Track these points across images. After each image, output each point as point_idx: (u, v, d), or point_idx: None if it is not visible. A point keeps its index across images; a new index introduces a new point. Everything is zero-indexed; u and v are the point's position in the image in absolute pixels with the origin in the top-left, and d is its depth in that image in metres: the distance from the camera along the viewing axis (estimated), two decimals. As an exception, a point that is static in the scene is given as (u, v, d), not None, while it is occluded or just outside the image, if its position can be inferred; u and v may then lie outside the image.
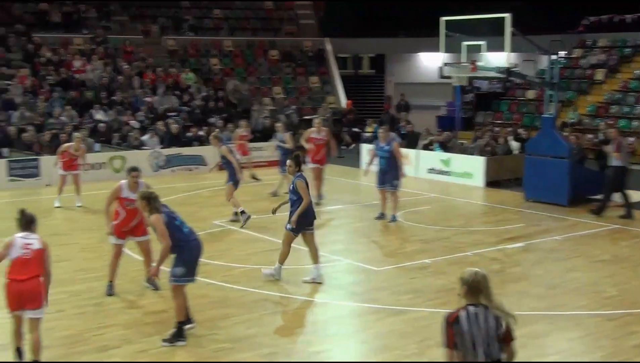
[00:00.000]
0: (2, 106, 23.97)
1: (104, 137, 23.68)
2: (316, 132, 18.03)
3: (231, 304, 10.29)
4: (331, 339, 9.13)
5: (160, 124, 24.46)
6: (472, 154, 21.47)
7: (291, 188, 11.30)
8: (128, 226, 10.72)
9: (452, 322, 5.58)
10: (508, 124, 28.83)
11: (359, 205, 17.77)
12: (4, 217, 17.06)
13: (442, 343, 5.61)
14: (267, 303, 10.34)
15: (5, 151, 21.48)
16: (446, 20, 18.22)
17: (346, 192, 19.99)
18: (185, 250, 8.84)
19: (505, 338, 5.59)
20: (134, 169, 10.78)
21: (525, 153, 19.13)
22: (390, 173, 15.66)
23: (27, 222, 8.20)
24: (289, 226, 11.26)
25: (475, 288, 5.59)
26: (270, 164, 23.59)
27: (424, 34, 31.71)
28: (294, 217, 11.02)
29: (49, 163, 21.02)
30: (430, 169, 21.56)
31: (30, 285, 7.88)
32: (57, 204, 17.69)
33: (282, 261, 11.43)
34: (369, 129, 27.53)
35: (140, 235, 10.83)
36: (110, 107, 25.55)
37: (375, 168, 16.28)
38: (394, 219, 15.60)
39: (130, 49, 30.14)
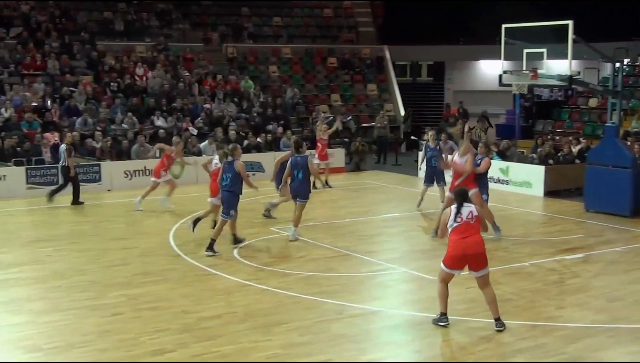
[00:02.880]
0: (66, 112, 24.51)
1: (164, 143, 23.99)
2: (322, 134, 21.03)
3: (285, 310, 10.31)
4: (385, 348, 9.07)
5: (218, 131, 24.69)
6: (531, 163, 21.15)
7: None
8: None
9: None
10: (569, 132, 28.35)
11: (415, 214, 17.66)
12: (66, 221, 17.48)
13: None
14: (321, 310, 10.33)
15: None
16: (507, 28, 18.01)
17: (402, 200, 19.87)
18: None
19: None
20: None
21: (586, 162, 18.76)
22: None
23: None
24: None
25: None
26: (332, 171, 23.66)
27: (484, 41, 31.45)
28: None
29: (110, 168, 21.43)
30: (489, 178, 21.24)
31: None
32: (139, 208, 17.93)
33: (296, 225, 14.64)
34: (427, 137, 27.31)
35: None
36: (170, 114, 25.91)
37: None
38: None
39: (190, 56, 30.56)
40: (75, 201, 18.91)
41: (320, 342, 9.08)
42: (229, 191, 13.50)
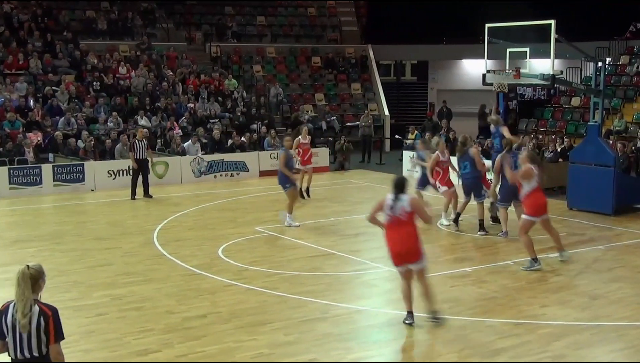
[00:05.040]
0: (48, 112, 24.37)
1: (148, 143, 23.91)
2: (303, 138, 19.87)
3: (270, 310, 10.31)
4: (370, 346, 9.08)
5: (202, 131, 24.65)
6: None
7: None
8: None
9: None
10: (552, 131, 28.50)
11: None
12: (49, 221, 17.40)
13: None
14: (307, 309, 10.34)
15: (50, 156, 21.84)
16: (490, 27, 18.08)
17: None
18: None
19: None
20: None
21: (569, 161, 18.87)
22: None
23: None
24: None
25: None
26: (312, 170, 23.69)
27: (467, 40, 31.59)
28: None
29: (93, 168, 21.35)
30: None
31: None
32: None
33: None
34: (410, 136, 27.44)
35: None
36: (154, 114, 25.83)
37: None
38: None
39: (174, 55, 30.48)
40: (146, 193, 19.84)
41: (305, 341, 9.09)
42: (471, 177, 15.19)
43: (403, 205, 9.26)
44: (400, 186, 9.38)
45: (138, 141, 19.89)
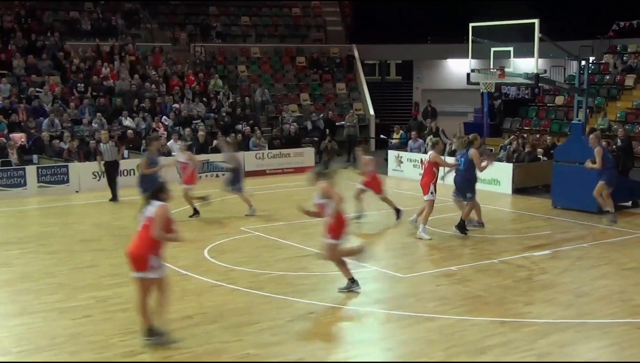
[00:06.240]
0: (32, 113, 24.24)
1: (132, 143, 23.86)
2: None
3: (256, 310, 10.30)
4: (357, 346, 9.09)
5: (187, 131, 24.61)
6: (500, 161, 21.32)
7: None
8: None
9: None
10: (536, 130, 28.67)
11: (384, 212, 17.71)
12: (34, 223, 17.31)
13: None
14: (293, 309, 10.34)
15: (35, 157, 21.73)
16: (474, 27, 18.14)
17: (371, 199, 19.92)
18: None
19: None
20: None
21: (553, 159, 18.96)
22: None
23: None
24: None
25: None
26: (297, 170, 23.80)
27: (452, 40, 31.70)
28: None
29: (77, 170, 21.26)
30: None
31: None
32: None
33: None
34: (395, 135, 27.49)
35: None
36: (139, 114, 25.75)
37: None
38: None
39: (158, 56, 30.38)
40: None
41: (292, 341, 9.09)
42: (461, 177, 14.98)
43: (148, 214, 8.83)
44: (154, 192, 9.02)
45: (103, 144, 19.68)
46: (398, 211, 16.68)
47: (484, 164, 15.01)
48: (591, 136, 16.90)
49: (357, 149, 19.03)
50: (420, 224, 14.85)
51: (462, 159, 15.03)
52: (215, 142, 24.28)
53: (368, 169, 16.79)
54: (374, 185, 16.87)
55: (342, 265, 11.08)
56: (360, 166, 17.07)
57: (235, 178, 17.32)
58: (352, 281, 11.09)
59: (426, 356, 8.64)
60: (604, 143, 19.60)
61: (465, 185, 14.96)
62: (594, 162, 16.31)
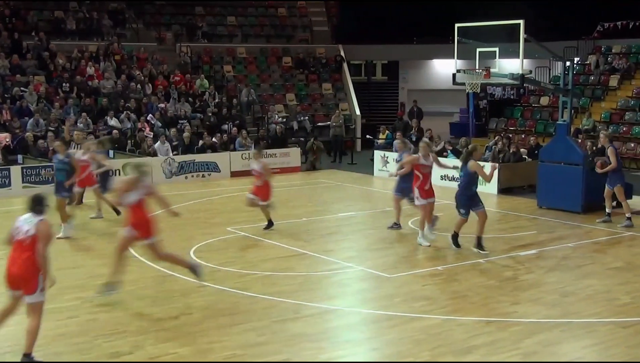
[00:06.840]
0: (17, 113, 24.11)
1: (117, 144, 23.75)
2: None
3: (242, 311, 10.29)
4: (343, 346, 9.10)
5: (173, 131, 24.55)
6: (485, 161, 21.38)
7: None
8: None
9: None
10: (522, 130, 28.79)
11: (371, 212, 17.77)
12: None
13: None
14: (279, 309, 10.33)
15: (19, 157, 21.60)
16: (460, 27, 18.18)
17: (358, 199, 19.97)
18: None
19: None
20: None
21: (538, 159, 19.04)
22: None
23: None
24: None
25: None
26: (284, 171, 23.80)
27: (438, 40, 31.77)
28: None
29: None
30: (443, 176, 21.44)
31: None
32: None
33: None
34: (381, 136, 27.52)
35: None
36: (124, 114, 25.65)
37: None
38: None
39: (144, 56, 30.29)
40: None
41: (278, 342, 9.08)
42: (459, 191, 13.77)
43: (28, 228, 8.23)
44: (34, 201, 8.45)
45: (76, 144, 18.44)
46: (270, 224, 15.62)
47: (488, 172, 14.10)
48: (601, 136, 16.81)
49: (254, 151, 17.79)
50: (419, 231, 14.23)
51: (462, 173, 13.68)
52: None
53: (262, 174, 15.53)
54: (263, 192, 15.45)
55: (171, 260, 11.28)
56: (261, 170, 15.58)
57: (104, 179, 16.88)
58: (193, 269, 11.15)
59: (412, 356, 8.66)
60: (588, 143, 19.75)
61: (464, 203, 13.61)
62: (601, 165, 16.26)
